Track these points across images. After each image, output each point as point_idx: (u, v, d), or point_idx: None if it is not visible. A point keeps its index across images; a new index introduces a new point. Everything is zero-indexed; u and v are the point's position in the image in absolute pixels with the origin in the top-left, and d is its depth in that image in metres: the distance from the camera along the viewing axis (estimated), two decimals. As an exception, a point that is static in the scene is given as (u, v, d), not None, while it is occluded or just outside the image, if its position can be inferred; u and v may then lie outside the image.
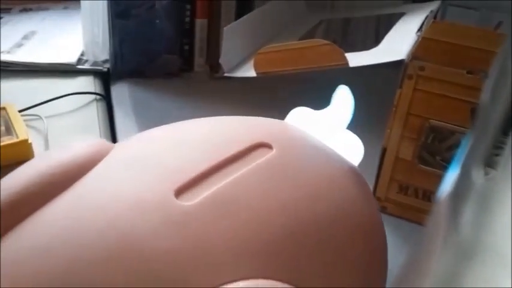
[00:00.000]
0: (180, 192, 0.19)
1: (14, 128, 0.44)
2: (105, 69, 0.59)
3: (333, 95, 0.30)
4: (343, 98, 0.30)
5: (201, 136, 0.22)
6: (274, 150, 0.20)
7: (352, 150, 0.28)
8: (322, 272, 0.19)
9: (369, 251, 0.22)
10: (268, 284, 0.17)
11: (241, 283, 0.17)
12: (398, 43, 0.46)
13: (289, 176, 0.20)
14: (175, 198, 0.18)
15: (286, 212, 0.19)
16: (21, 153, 0.43)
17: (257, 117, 0.24)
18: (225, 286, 0.16)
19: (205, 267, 0.17)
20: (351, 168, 0.25)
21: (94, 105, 0.53)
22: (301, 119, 0.29)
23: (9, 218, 0.18)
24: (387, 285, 0.24)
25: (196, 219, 0.18)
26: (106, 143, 0.22)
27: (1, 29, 0.67)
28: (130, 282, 0.16)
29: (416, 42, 0.42)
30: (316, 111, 0.30)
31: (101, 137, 0.48)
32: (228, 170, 0.19)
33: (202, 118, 0.24)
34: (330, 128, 0.29)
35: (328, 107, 0.30)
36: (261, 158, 0.20)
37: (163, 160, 0.20)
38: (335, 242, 0.20)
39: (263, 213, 0.19)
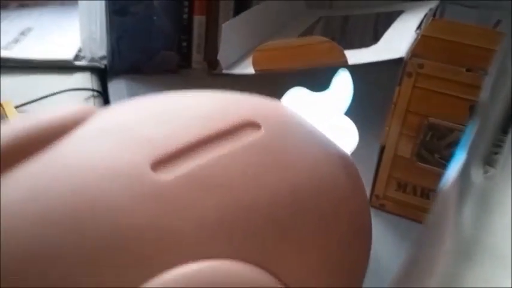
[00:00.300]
0: (156, 165, 0.18)
1: (10, 125, 0.44)
2: (103, 66, 0.59)
3: (333, 79, 0.29)
4: (343, 82, 0.30)
5: (187, 109, 0.21)
6: (262, 130, 0.20)
7: (346, 136, 0.28)
8: (299, 257, 0.19)
9: (352, 237, 0.22)
10: (229, 265, 0.16)
11: (202, 263, 0.16)
12: (397, 41, 0.46)
13: (274, 159, 0.20)
14: (151, 171, 0.18)
15: (265, 196, 0.19)
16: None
17: (249, 95, 0.24)
18: (184, 266, 0.16)
19: (170, 245, 0.16)
20: (341, 154, 0.24)
21: (91, 101, 0.53)
22: (297, 100, 0.29)
23: None
24: (387, 285, 0.24)
25: (170, 195, 0.17)
26: (91, 108, 0.21)
27: (-2, 25, 0.67)
28: (88, 254, 0.16)
29: (415, 40, 0.42)
30: (313, 92, 0.30)
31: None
32: (211, 146, 0.19)
33: (192, 91, 0.23)
34: (326, 111, 0.28)
35: (327, 90, 0.30)
36: (247, 138, 0.19)
37: (144, 130, 0.19)
38: (316, 229, 0.20)
39: (241, 194, 0.18)
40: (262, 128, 0.20)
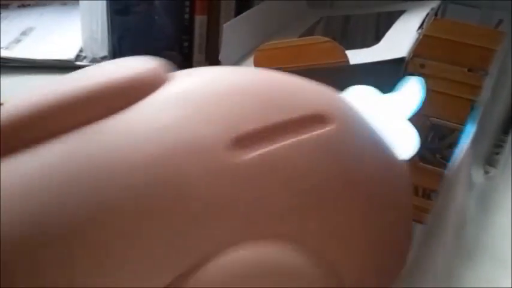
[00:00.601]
0: (234, 143, 0.18)
1: (11, 125, 0.44)
2: (104, 66, 0.59)
3: (401, 83, 0.29)
4: (413, 88, 0.29)
5: (265, 89, 0.20)
6: (334, 125, 0.20)
7: (405, 143, 0.27)
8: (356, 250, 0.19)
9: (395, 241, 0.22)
10: (271, 246, 0.16)
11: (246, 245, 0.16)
12: (398, 41, 0.45)
13: (344, 155, 0.20)
14: (228, 148, 0.17)
15: (336, 187, 0.19)
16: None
17: (318, 84, 0.23)
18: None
19: (225, 225, 0.16)
20: (399, 161, 0.24)
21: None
22: (361, 97, 0.28)
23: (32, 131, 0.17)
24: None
25: (245, 175, 0.17)
26: (164, 70, 0.21)
27: (-1, 24, 0.67)
28: (151, 227, 0.16)
29: (417, 40, 0.42)
30: (379, 93, 0.29)
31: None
32: (286, 132, 0.19)
33: (262, 69, 0.23)
34: (389, 114, 0.27)
35: (394, 92, 0.29)
36: (320, 130, 0.19)
37: (223, 104, 0.19)
38: (375, 228, 0.20)
39: (313, 182, 0.18)
40: (334, 122, 0.20)
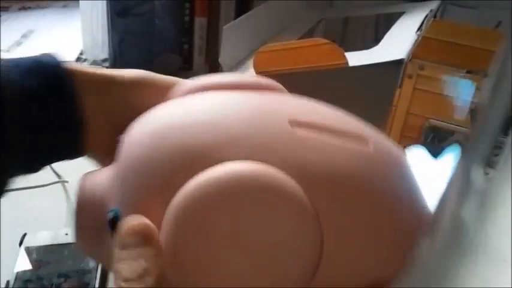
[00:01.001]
0: (293, 122, 0.22)
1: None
2: (104, 68, 0.59)
3: (448, 149, 0.30)
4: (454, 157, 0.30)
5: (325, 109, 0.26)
6: (370, 147, 0.23)
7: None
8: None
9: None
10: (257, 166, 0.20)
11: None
12: (398, 42, 0.46)
13: (377, 171, 0.23)
14: (288, 123, 0.22)
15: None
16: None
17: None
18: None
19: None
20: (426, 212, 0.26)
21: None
22: (414, 156, 0.29)
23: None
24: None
25: (300, 144, 0.22)
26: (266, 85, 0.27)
27: (0, 27, 0.67)
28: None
29: (416, 41, 0.42)
30: (429, 156, 0.30)
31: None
32: (336, 136, 0.23)
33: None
34: (435, 177, 0.29)
35: (441, 158, 0.30)
36: (359, 146, 0.23)
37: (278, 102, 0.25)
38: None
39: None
40: (370, 146, 0.23)
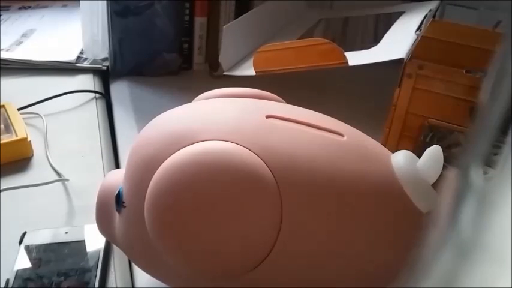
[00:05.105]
0: (269, 117, 0.27)
1: (13, 126, 0.44)
2: (105, 68, 0.59)
3: (426, 152, 0.29)
4: (434, 159, 0.29)
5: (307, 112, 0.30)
6: (345, 137, 0.27)
7: (426, 199, 0.27)
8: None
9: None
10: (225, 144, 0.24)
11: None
12: (397, 42, 0.46)
13: (350, 157, 0.27)
14: (265, 117, 0.27)
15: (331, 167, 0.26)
16: (21, 152, 0.43)
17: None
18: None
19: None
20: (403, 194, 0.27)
21: (93, 103, 0.53)
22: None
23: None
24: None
25: (269, 129, 0.26)
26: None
27: (0, 26, 0.67)
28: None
29: (415, 41, 0.42)
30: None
31: (100, 135, 0.48)
32: (306, 127, 0.27)
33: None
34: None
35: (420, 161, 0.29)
36: (332, 136, 0.27)
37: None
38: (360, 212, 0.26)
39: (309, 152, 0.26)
40: (345, 136, 0.28)
